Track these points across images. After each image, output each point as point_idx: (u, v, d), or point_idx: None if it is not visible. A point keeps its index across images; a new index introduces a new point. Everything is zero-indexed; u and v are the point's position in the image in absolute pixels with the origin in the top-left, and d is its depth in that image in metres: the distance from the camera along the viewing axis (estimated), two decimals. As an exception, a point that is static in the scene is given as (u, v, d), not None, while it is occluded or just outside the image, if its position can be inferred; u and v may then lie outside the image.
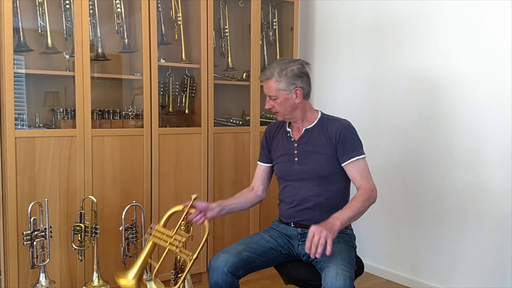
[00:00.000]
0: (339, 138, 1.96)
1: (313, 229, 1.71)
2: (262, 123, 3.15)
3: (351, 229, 2.10)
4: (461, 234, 2.65)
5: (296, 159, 2.03)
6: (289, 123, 2.11)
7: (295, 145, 2.04)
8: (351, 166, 1.95)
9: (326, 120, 2.04)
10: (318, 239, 1.67)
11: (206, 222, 1.94)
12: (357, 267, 1.95)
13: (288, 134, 2.08)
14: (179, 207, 1.95)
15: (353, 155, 1.94)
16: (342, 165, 1.97)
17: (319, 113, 2.08)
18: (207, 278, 2.94)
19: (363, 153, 1.97)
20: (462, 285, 2.64)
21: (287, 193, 2.08)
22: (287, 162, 2.06)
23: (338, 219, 1.76)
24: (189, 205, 1.92)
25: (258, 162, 2.20)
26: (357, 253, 2.09)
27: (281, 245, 2.03)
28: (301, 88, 1.97)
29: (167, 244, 1.91)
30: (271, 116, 3.31)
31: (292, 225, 2.05)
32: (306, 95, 2.01)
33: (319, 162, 1.98)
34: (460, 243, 2.66)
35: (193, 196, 1.91)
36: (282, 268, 2.03)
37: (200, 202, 1.95)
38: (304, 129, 2.04)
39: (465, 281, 2.63)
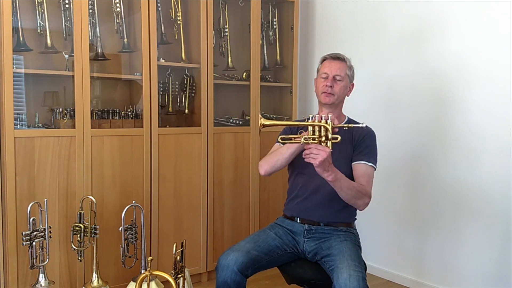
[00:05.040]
0: (360, 140, 2.02)
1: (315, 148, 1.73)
2: (262, 123, 3.13)
3: (356, 229, 2.11)
4: (462, 235, 2.64)
5: None
6: None
7: None
8: (358, 166, 1.99)
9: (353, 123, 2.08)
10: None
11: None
12: None
13: None
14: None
15: (364, 158, 2.00)
16: (352, 163, 2.00)
17: (346, 117, 2.16)
18: (207, 278, 2.98)
19: (374, 164, 2.01)
20: (464, 285, 2.63)
21: (300, 182, 2.07)
22: None
23: (337, 172, 1.81)
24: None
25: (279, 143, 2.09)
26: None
27: (286, 243, 2.02)
28: (353, 86, 2.14)
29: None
30: (271, 116, 3.30)
31: (299, 221, 2.04)
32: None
33: (334, 155, 1.92)
34: (462, 243, 2.65)
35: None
36: (286, 268, 2.01)
37: None
38: None
39: (467, 281, 2.62)
